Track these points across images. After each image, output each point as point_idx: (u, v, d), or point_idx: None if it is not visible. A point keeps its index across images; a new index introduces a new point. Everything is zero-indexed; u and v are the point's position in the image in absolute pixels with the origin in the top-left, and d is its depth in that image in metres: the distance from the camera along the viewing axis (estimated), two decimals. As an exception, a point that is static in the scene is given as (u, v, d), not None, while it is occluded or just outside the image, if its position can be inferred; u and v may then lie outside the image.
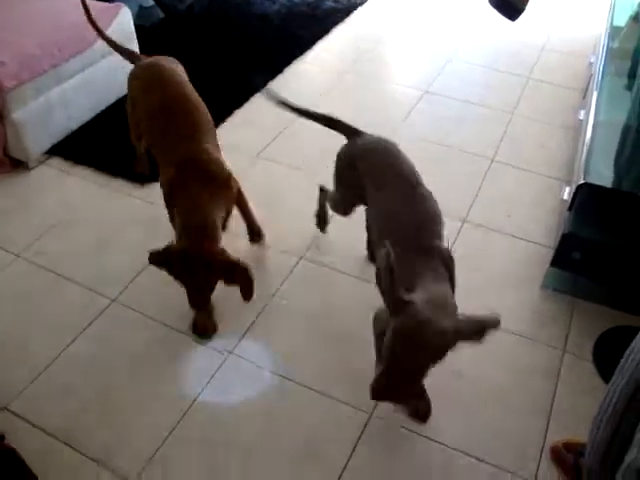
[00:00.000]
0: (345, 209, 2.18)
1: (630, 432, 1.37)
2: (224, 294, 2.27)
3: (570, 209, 2.08)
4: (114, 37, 3.00)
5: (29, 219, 2.59)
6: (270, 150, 2.99)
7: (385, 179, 1.89)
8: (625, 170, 2.27)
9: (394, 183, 1.87)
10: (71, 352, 2.08)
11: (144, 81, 2.31)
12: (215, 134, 2.27)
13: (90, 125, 3.06)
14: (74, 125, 3.00)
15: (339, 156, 2.06)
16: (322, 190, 2.35)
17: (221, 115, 3.15)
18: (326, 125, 2.13)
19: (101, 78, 3.06)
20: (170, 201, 2.09)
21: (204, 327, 2.13)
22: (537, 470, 1.80)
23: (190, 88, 2.31)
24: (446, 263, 1.74)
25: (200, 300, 2.04)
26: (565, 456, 1.79)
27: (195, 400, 1.94)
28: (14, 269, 2.37)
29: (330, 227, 2.50)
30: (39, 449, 1.80)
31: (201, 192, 2.00)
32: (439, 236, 1.79)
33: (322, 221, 2.44)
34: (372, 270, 2.33)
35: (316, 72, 3.67)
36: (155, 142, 2.21)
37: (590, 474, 1.57)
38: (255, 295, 2.00)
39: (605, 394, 1.51)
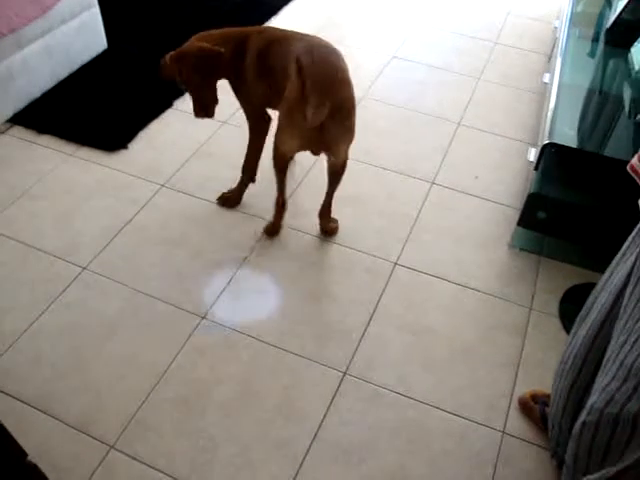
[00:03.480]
0: None
1: (589, 380, 1.43)
2: (197, 255, 2.29)
3: (536, 169, 2.13)
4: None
5: (-6, 190, 2.54)
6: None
7: None
8: (588, 131, 2.32)
9: None
10: (43, 321, 2.07)
11: None
12: None
13: (53, 93, 2.99)
14: (36, 93, 2.93)
15: None
16: None
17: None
18: None
19: (61, 44, 2.98)
20: None
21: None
22: (506, 421, 1.87)
23: None
24: None
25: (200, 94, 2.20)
26: (532, 406, 1.86)
27: (171, 363, 1.96)
28: (-20, 240, 2.34)
29: (301, 191, 2.53)
30: (17, 418, 1.80)
31: None
32: None
33: None
34: (346, 233, 2.39)
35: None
36: None
37: (554, 422, 1.64)
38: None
39: (566, 345, 1.57)
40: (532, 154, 2.44)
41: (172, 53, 2.15)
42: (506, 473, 1.76)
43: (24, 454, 1.39)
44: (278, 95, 2.10)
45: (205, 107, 2.22)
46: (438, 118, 3.01)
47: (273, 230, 2.38)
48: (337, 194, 2.32)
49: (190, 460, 1.74)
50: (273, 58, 2.09)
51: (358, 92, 3.12)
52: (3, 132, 2.80)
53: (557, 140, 2.10)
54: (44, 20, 2.81)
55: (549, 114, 2.27)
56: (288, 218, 2.43)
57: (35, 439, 1.76)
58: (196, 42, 2.13)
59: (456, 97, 3.16)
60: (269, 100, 2.22)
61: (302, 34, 2.12)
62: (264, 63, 2.11)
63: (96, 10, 3.13)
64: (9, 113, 2.82)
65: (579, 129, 2.29)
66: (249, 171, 2.42)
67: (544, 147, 2.07)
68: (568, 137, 2.20)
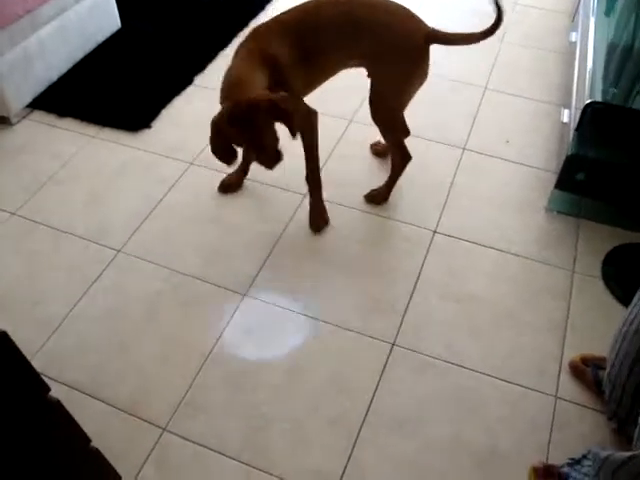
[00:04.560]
0: None
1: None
2: (232, 232, 2.26)
3: (577, 129, 2.08)
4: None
5: (20, 176, 2.50)
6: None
7: None
8: (626, 89, 2.26)
9: None
10: (83, 305, 2.05)
11: None
12: None
13: (70, 75, 2.93)
14: (54, 76, 2.88)
15: None
16: None
17: (207, 57, 3.07)
18: None
19: (76, 25, 2.92)
20: None
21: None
22: (558, 385, 1.85)
23: None
24: None
25: (270, 148, 1.88)
26: (584, 370, 1.84)
27: (216, 343, 1.94)
28: (11, 227, 2.30)
29: (333, 163, 2.49)
30: (67, 404, 1.78)
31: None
32: None
33: None
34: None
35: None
36: None
37: (614, 384, 1.61)
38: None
39: (630, 308, 1.54)
40: (565, 115, 2.39)
41: (224, 118, 1.80)
42: (562, 437, 1.74)
43: (88, 440, 1.38)
44: (327, 68, 2.07)
45: (277, 151, 1.89)
46: (463, 83, 2.95)
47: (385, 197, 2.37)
48: (369, 163, 2.27)
49: (244, 438, 1.73)
50: (312, 36, 1.95)
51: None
52: (24, 117, 2.76)
53: (598, 99, 2.05)
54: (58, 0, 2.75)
55: (587, 73, 2.21)
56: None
57: (87, 424, 1.73)
58: (254, 95, 1.80)
59: (480, 61, 3.09)
60: (316, 80, 2.10)
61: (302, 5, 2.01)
62: (303, 47, 1.94)
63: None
64: (28, 98, 2.77)
65: (618, 87, 2.23)
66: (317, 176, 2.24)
67: (586, 107, 2.01)
68: (609, 95, 2.14)
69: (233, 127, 1.80)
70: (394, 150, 2.25)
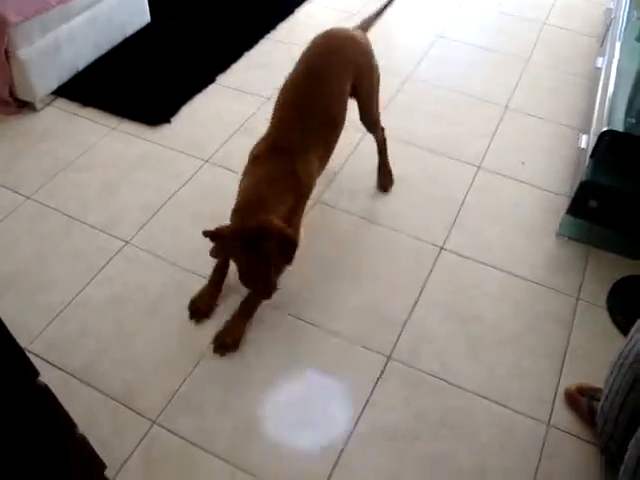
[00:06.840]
0: None
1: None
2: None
3: (592, 156, 2.06)
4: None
5: (38, 161, 2.55)
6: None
7: None
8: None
9: None
10: (87, 293, 2.08)
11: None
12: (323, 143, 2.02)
13: (96, 65, 2.98)
14: (80, 65, 2.93)
15: None
16: None
17: (231, 57, 3.09)
18: None
19: (106, 16, 2.97)
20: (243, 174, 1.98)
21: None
22: (551, 413, 1.83)
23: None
24: None
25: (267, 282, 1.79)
26: (579, 399, 1.82)
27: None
28: (25, 211, 2.34)
29: (345, 173, 2.49)
30: (61, 389, 1.80)
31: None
32: None
33: None
34: (382, 212, 2.36)
35: (326, 14, 3.56)
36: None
37: (607, 417, 1.60)
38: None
39: (627, 340, 1.52)
40: (584, 141, 2.37)
41: (232, 230, 1.75)
42: (551, 466, 1.73)
43: (74, 426, 1.40)
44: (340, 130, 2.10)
45: (273, 284, 1.82)
46: (485, 100, 2.94)
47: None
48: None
49: (231, 439, 1.74)
50: (320, 108, 1.99)
51: (405, 72, 3.08)
52: (48, 104, 2.81)
53: (616, 127, 2.03)
54: (91, -9, 2.80)
55: (607, 100, 2.19)
56: (333, 200, 2.40)
57: (78, 410, 1.75)
58: (269, 220, 1.74)
59: (503, 79, 3.08)
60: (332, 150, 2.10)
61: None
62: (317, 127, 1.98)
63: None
64: (54, 85, 2.82)
65: (637, 116, 2.21)
66: None
67: (602, 135, 2.00)
68: (627, 125, 2.12)
69: (239, 246, 1.73)
70: (380, 133, 2.38)
